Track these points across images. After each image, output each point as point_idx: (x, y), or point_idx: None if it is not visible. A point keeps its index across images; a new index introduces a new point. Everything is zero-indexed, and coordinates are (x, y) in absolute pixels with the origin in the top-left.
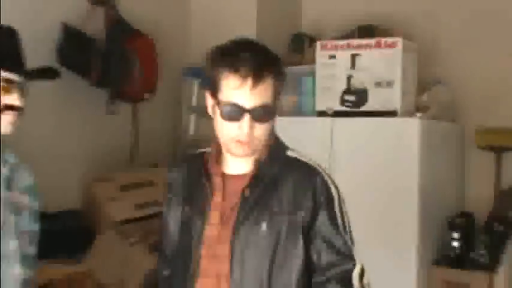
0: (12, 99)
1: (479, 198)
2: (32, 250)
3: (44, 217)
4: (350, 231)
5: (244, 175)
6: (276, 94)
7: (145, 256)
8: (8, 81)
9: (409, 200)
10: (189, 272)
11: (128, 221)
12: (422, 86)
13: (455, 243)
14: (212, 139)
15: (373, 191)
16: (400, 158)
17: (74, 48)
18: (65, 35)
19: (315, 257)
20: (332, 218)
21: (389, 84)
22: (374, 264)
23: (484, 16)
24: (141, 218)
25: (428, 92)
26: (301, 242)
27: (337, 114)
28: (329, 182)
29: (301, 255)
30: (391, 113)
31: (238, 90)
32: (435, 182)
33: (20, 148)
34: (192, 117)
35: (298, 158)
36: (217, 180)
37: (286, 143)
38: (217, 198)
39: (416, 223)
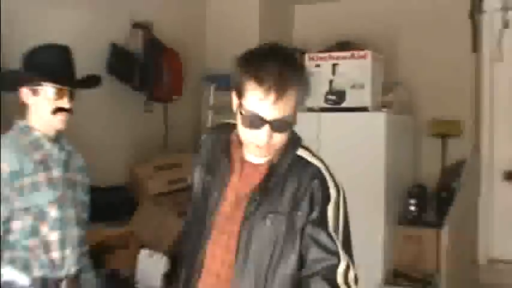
0: (63, 103)
1: (430, 173)
2: (85, 216)
3: (98, 191)
4: (344, 231)
5: (260, 165)
6: (298, 103)
7: (175, 221)
8: (60, 89)
9: (377, 175)
10: (201, 239)
11: (161, 194)
12: (387, 88)
13: (412, 208)
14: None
15: (351, 168)
16: (370, 143)
17: (120, 61)
18: (113, 52)
19: (304, 252)
20: (322, 218)
21: (362, 86)
22: (353, 225)
23: (432, 33)
24: (172, 192)
25: (391, 93)
26: (297, 240)
27: (322, 110)
28: (329, 183)
29: (296, 251)
30: (363, 109)
31: (260, 102)
32: (397, 161)
33: (80, 138)
34: (210, 114)
35: (305, 158)
36: (237, 164)
37: (300, 139)
38: (234, 179)
39: (383, 193)
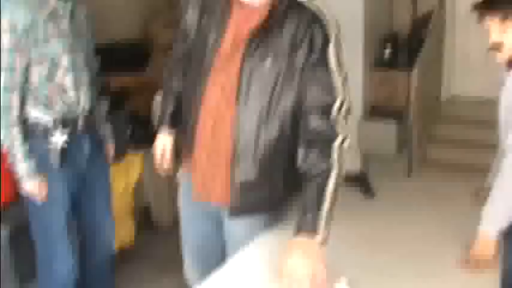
0: None
1: (402, 23)
2: (94, 59)
3: (118, 45)
4: (343, 71)
5: (257, 9)
6: None
7: None
8: None
9: (356, 25)
10: (200, 77)
11: (171, 46)
12: None
13: (386, 52)
14: None
15: None
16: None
17: None
18: None
19: (303, 90)
20: (322, 58)
21: None
22: None
23: None
24: None
25: None
26: (296, 80)
27: None
28: (328, 23)
29: (295, 89)
30: None
31: None
32: (373, 12)
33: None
34: None
35: (302, 2)
36: (235, 6)
37: None
38: (232, 21)
39: (361, 40)
